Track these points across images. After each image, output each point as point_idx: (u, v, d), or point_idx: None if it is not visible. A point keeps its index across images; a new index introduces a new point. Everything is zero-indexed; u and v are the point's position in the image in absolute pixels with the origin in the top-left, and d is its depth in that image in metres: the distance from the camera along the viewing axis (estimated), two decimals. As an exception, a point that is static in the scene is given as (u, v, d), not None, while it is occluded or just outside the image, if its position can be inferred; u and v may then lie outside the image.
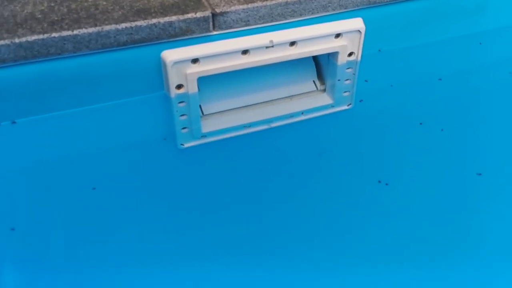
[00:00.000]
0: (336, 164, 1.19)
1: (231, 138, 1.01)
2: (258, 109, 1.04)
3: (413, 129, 1.23)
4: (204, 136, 0.99)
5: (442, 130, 1.24)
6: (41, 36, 0.80)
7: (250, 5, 0.91)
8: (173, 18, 0.86)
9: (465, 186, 1.28)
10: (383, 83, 1.15)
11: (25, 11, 0.85)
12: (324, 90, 1.10)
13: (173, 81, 0.89)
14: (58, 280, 1.01)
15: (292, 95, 1.08)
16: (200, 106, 0.98)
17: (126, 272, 1.06)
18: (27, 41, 0.79)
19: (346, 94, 1.09)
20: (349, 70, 1.05)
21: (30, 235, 0.97)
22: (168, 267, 1.08)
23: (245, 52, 0.92)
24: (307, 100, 1.08)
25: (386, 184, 1.20)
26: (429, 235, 1.23)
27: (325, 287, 1.15)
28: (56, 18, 0.84)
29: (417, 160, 1.25)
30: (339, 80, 1.05)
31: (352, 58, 1.04)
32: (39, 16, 0.84)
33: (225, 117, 1.02)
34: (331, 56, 1.03)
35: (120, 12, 0.86)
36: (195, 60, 0.89)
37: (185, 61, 0.88)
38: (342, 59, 1.02)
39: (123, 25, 0.84)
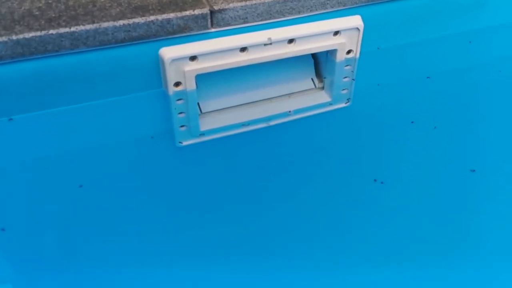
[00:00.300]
0: (334, 161, 1.19)
1: (229, 136, 1.01)
2: (256, 107, 1.04)
3: (409, 127, 1.23)
4: (202, 134, 0.99)
5: (435, 127, 1.24)
6: (38, 33, 0.79)
7: (248, 2, 0.91)
8: (171, 15, 0.86)
9: (459, 183, 1.28)
10: (381, 80, 1.15)
11: (23, 8, 0.85)
12: (323, 88, 1.09)
13: (171, 78, 0.89)
14: (53, 280, 1.01)
15: (291, 93, 1.07)
16: (198, 104, 0.97)
17: (123, 272, 1.06)
18: (24, 38, 0.78)
19: (345, 91, 1.08)
20: (347, 68, 1.05)
21: (26, 234, 0.97)
22: (165, 266, 1.08)
23: (243, 49, 0.92)
24: (305, 97, 1.08)
25: (382, 183, 1.20)
26: (425, 233, 1.24)
27: (322, 286, 1.15)
28: (53, 15, 0.83)
29: (412, 158, 1.25)
30: (337, 77, 1.05)
31: (351, 55, 1.03)
32: (37, 13, 0.84)
33: (223, 115, 1.02)
34: (330, 54, 1.03)
35: (117, 9, 0.86)
36: (193, 58, 0.89)
37: (183, 58, 0.88)
38: (340, 56, 1.02)
39: (121, 22, 0.83)
